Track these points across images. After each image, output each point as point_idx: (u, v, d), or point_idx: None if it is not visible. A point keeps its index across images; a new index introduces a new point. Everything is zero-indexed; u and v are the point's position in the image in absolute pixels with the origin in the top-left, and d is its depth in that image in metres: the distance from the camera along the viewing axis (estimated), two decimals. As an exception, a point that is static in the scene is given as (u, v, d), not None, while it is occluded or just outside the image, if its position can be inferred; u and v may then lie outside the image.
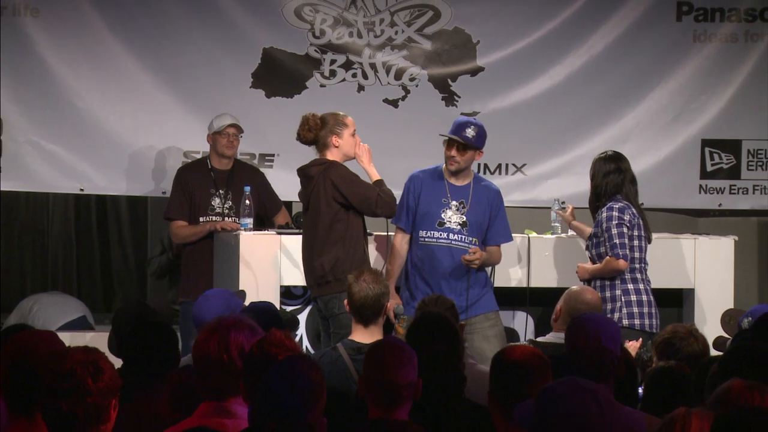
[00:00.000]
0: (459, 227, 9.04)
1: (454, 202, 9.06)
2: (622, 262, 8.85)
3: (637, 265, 8.95)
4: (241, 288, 8.80)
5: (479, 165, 11.03)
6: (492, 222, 9.14)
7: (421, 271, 9.06)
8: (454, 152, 8.99)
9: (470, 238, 9.07)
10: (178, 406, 5.13)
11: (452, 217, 9.08)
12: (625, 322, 8.78)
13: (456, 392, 5.83)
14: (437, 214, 9.05)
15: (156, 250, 11.39)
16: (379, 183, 8.92)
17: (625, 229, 8.89)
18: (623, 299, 8.88)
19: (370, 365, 5.13)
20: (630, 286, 8.90)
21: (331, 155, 8.94)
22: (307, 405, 4.53)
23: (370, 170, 9.07)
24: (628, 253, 8.86)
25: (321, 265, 8.84)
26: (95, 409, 4.25)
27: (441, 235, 9.06)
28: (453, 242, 9.03)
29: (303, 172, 9.07)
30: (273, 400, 4.54)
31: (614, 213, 8.92)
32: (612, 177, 9.04)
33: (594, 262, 9.05)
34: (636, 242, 8.95)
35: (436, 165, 9.22)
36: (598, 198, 9.04)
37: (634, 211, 9.00)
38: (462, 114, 10.95)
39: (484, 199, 9.16)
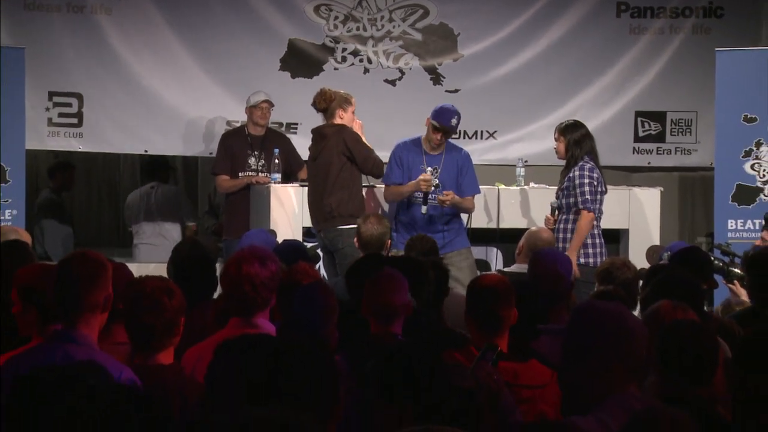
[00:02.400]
0: (433, 188, 8.99)
1: (429, 168, 9.00)
2: (592, 215, 8.78)
3: (597, 215, 8.86)
4: (271, 228, 8.93)
5: (460, 132, 11.13)
6: (462, 178, 9.12)
7: (405, 224, 9.10)
8: (439, 137, 9.02)
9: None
10: (219, 321, 5.13)
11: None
12: (582, 260, 8.70)
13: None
14: (416, 176, 9.01)
15: (205, 207, 11.42)
16: (370, 151, 9.06)
17: (593, 187, 8.82)
18: (582, 244, 8.84)
19: (371, 290, 5.10)
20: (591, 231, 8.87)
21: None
22: (322, 321, 4.62)
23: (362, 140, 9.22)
24: (591, 206, 8.76)
25: (329, 203, 8.93)
26: (169, 323, 4.23)
27: (419, 194, 9.03)
28: (429, 199, 8.99)
29: (318, 131, 9.20)
30: (296, 316, 4.64)
31: (585, 172, 8.81)
32: (586, 141, 8.95)
33: (560, 209, 8.91)
34: (598, 197, 8.87)
35: (417, 136, 9.22)
36: (574, 158, 8.90)
37: (599, 170, 8.95)
38: (446, 91, 11.10)
39: (455, 162, 9.15)
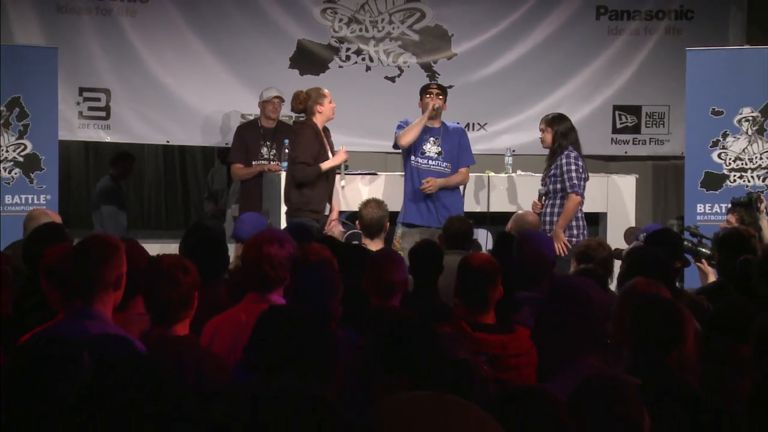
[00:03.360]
0: (436, 155, 9.06)
1: (431, 138, 9.06)
2: (579, 198, 8.81)
3: (582, 200, 8.88)
4: (264, 209, 8.97)
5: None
6: (460, 150, 9.15)
7: (413, 187, 9.05)
8: (434, 96, 9.05)
9: (445, 163, 9.09)
10: (233, 296, 5.14)
11: (431, 148, 9.09)
12: (572, 240, 8.68)
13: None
14: (420, 146, 9.07)
15: (204, 194, 11.40)
16: (303, 155, 8.90)
17: (579, 173, 8.83)
18: (568, 224, 8.82)
19: (371, 268, 5.10)
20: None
21: (317, 119, 9.01)
22: (328, 296, 4.63)
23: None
24: (579, 190, 8.78)
25: (290, 190, 8.94)
26: (185, 297, 4.21)
27: (423, 161, 9.08)
28: (432, 166, 9.05)
29: (287, 126, 9.52)
30: (304, 292, 4.64)
31: (572, 160, 8.83)
32: (571, 133, 8.96)
33: (547, 195, 8.92)
34: (583, 183, 8.89)
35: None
36: (561, 147, 8.90)
37: (582, 158, 8.98)
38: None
39: (454, 134, 9.19)
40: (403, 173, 9.27)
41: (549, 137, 8.99)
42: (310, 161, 8.84)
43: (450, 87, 10.90)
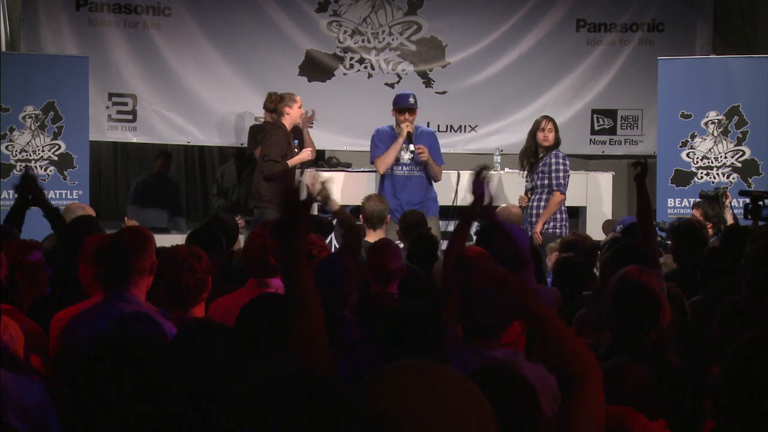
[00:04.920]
0: (409, 161, 8.97)
1: (403, 144, 8.94)
2: (563, 197, 8.79)
3: (564, 198, 8.89)
4: None
5: (447, 126, 11.11)
6: (431, 152, 8.98)
7: (392, 192, 8.94)
8: (407, 116, 8.90)
9: (419, 167, 9.00)
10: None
11: (404, 155, 9.00)
12: (550, 229, 8.75)
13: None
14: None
15: (214, 191, 11.33)
16: (272, 153, 8.93)
17: (566, 173, 8.81)
18: (552, 216, 8.83)
19: (372, 257, 5.08)
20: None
21: (285, 120, 9.08)
22: (341, 282, 4.61)
23: (305, 133, 9.39)
24: (563, 189, 8.80)
25: (260, 184, 9.00)
26: (200, 282, 4.25)
27: (399, 168, 9.00)
28: (406, 171, 8.98)
29: (260, 126, 9.63)
30: (320, 277, 4.61)
31: (560, 160, 8.82)
32: (557, 135, 8.97)
33: (534, 189, 8.93)
34: (568, 181, 8.89)
35: (390, 125, 9.11)
36: (547, 148, 8.90)
37: (568, 159, 8.98)
38: (435, 93, 11.07)
39: (423, 137, 9.07)
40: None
41: (552, 136, 9.00)
42: (278, 158, 8.91)
43: (444, 92, 10.92)
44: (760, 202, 7.39)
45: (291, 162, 8.98)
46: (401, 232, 7.29)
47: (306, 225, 2.70)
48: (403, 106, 8.95)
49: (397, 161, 9.02)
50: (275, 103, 9.25)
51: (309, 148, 9.20)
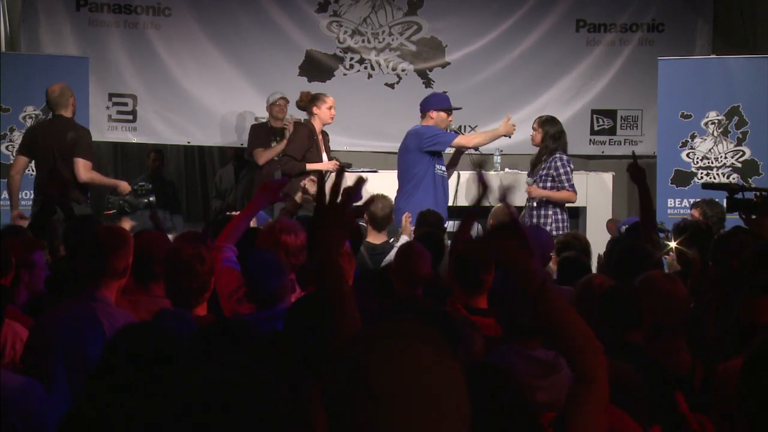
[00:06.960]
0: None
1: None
2: (575, 195, 8.70)
3: (575, 198, 8.78)
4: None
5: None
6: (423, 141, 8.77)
7: (434, 192, 8.75)
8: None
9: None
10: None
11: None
12: (553, 233, 8.71)
13: None
14: (441, 155, 8.81)
15: (213, 193, 11.33)
16: (295, 152, 8.92)
17: (571, 174, 8.71)
18: (552, 217, 8.72)
19: (399, 260, 4.97)
20: (558, 209, 8.71)
21: (314, 120, 9.07)
22: (273, 280, 4.47)
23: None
24: (575, 190, 8.67)
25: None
26: (203, 283, 4.26)
27: (440, 167, 8.76)
28: (444, 172, 8.81)
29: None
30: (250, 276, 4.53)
31: (565, 163, 8.66)
32: (562, 137, 8.78)
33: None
34: (573, 182, 8.76)
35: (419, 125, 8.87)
36: (549, 149, 8.71)
37: (571, 161, 8.88)
38: (434, 92, 11.05)
39: (412, 138, 8.84)
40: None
41: (539, 137, 8.82)
42: (297, 156, 8.88)
43: (444, 92, 10.87)
44: (737, 195, 7.35)
45: (311, 166, 8.83)
46: (371, 225, 7.26)
47: (341, 225, 2.62)
48: (451, 107, 8.82)
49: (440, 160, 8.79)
50: (306, 102, 9.18)
51: (335, 162, 9.02)
